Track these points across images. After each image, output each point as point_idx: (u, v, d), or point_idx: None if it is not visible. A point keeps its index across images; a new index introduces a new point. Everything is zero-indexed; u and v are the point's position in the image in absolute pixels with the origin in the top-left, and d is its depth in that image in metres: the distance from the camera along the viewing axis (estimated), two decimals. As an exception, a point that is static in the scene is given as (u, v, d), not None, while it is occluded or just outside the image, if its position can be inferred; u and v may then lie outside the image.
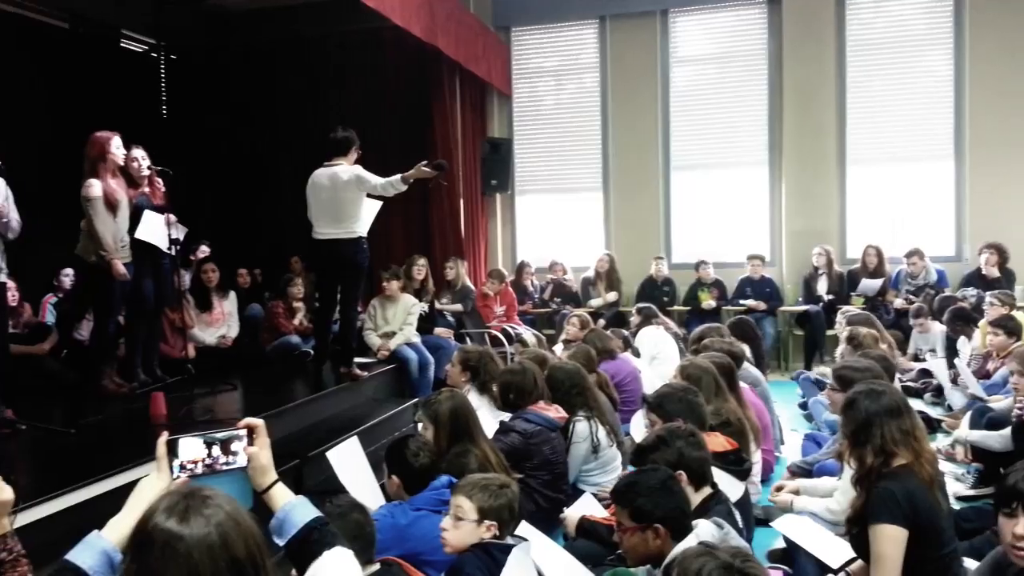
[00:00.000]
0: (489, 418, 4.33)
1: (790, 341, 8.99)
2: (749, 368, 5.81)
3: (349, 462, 3.70)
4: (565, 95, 10.15)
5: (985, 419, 4.86)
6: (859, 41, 9.07)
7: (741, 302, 8.82)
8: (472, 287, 8.51)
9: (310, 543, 1.70)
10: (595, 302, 9.21)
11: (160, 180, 5.58)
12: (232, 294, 7.29)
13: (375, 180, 5.48)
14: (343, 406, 5.90)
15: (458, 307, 8.15)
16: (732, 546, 2.06)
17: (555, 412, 4.14)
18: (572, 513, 3.65)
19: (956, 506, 3.73)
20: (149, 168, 5.54)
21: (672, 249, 9.78)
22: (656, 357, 6.89)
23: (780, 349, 9.02)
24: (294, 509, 1.75)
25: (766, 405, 5.48)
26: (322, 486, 4.04)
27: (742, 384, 4.93)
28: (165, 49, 9.32)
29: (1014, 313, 6.67)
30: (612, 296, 9.26)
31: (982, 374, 6.22)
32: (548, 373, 4.45)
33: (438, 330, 7.48)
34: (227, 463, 1.81)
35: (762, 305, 8.76)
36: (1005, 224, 8.49)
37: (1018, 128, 8.56)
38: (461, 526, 2.74)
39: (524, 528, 3.20)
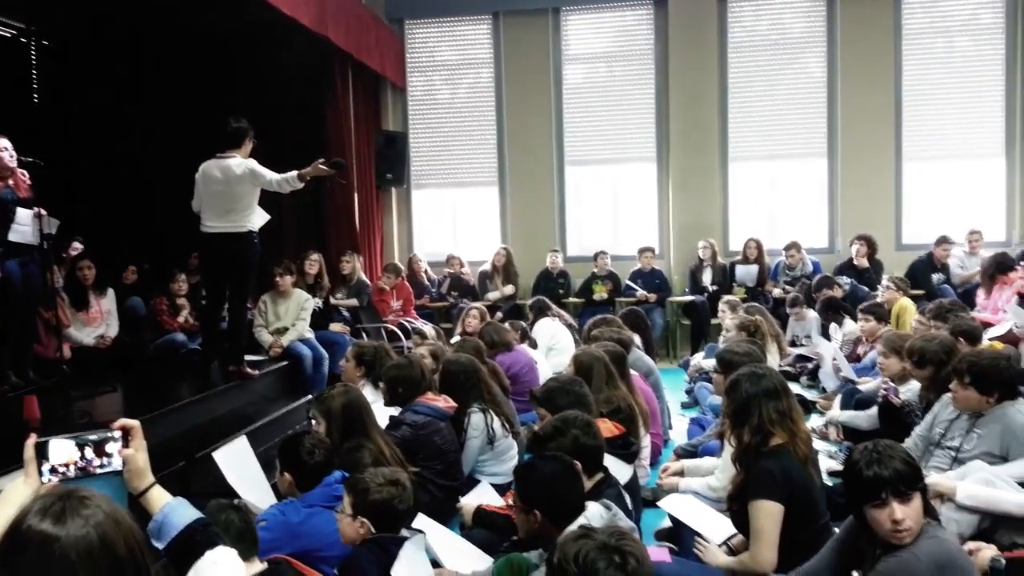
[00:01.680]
0: (385, 413, 4.32)
1: (678, 330, 9.33)
2: (641, 357, 6.00)
3: (237, 462, 3.61)
4: (460, 89, 10.16)
5: (854, 400, 5.20)
6: (740, 43, 9.49)
7: (633, 293, 9.06)
8: (368, 281, 8.42)
9: (191, 544, 1.66)
10: (492, 295, 9.28)
11: (25, 172, 5.24)
12: (111, 292, 6.95)
13: (270, 175, 5.29)
14: (233, 405, 5.72)
15: (353, 302, 8.05)
16: (611, 526, 2.14)
17: (444, 402, 4.17)
18: (468, 502, 3.69)
19: (829, 482, 3.97)
20: (12, 158, 5.18)
21: (567, 242, 9.96)
22: (553, 348, 7.03)
23: (669, 338, 9.34)
24: (173, 511, 1.70)
25: (657, 392, 5.69)
26: (210, 488, 3.92)
27: (633, 372, 5.11)
28: (37, 34, 8.75)
29: (903, 299, 7.18)
30: (509, 289, 9.36)
31: (853, 358, 6.64)
32: (442, 367, 4.47)
33: (333, 325, 7.36)
34: (101, 466, 1.74)
35: (652, 296, 9.04)
36: (873, 217, 9.09)
37: (884, 128, 9.16)
38: (343, 520, 2.75)
39: (420, 519, 3.22)
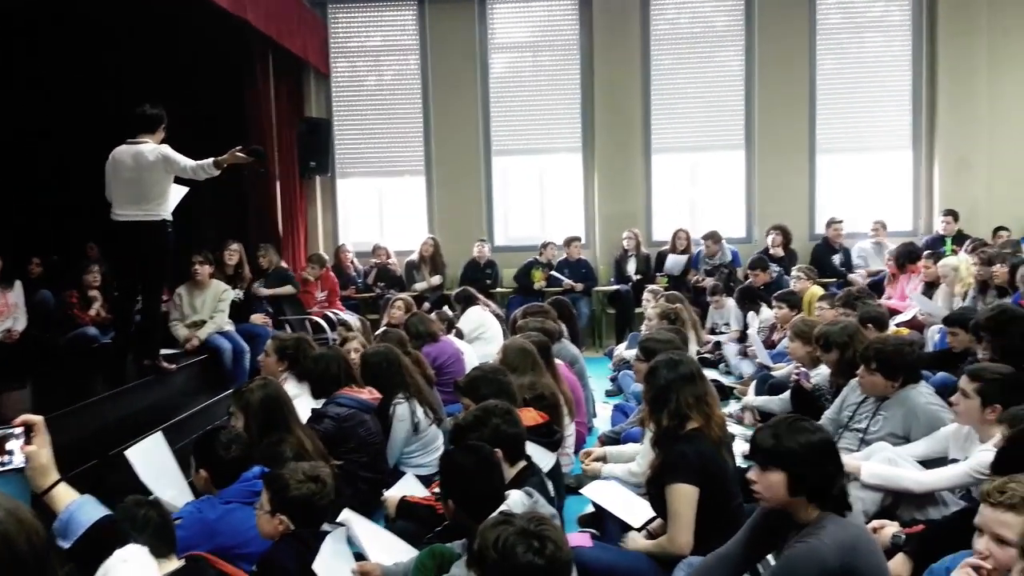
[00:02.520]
0: (308, 406, 4.26)
1: (603, 319, 9.46)
2: (567, 345, 6.07)
3: (152, 460, 3.51)
4: (386, 76, 10.04)
5: (767, 385, 5.39)
6: (663, 36, 9.65)
7: (560, 282, 9.14)
8: (290, 271, 8.25)
9: (98, 543, 1.61)
10: (419, 286, 9.23)
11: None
12: (18, 284, 6.63)
13: (184, 162, 5.13)
14: (149, 401, 5.55)
15: (288, 289, 7.84)
16: (530, 512, 2.17)
17: (369, 394, 4.13)
18: (392, 494, 3.67)
19: (744, 465, 4.10)
20: None
21: (494, 232, 9.98)
22: (480, 337, 7.03)
23: (595, 327, 9.47)
24: (79, 508, 1.65)
25: (582, 380, 5.77)
26: (124, 487, 3.79)
27: (558, 361, 5.16)
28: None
29: (814, 287, 7.45)
30: (436, 279, 9.32)
31: (769, 344, 6.87)
32: (362, 359, 4.43)
33: (254, 317, 7.20)
34: (2, 463, 1.67)
35: (579, 286, 9.14)
36: (787, 209, 9.40)
37: (799, 121, 9.46)
38: (261, 516, 2.71)
39: (344, 512, 3.20)
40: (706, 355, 7.53)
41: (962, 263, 6.48)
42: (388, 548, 3.14)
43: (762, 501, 2.52)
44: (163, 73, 8.15)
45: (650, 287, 7.94)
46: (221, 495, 3.08)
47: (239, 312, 6.98)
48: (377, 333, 5.87)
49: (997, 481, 2.23)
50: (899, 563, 2.82)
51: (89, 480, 3.78)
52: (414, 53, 9.78)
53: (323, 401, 4.19)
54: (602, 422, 5.86)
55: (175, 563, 2.45)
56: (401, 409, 4.30)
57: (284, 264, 8.35)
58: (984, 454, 3.17)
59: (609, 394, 6.83)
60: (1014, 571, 1.80)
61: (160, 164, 5.12)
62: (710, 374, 6.78)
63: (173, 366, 5.85)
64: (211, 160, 5.11)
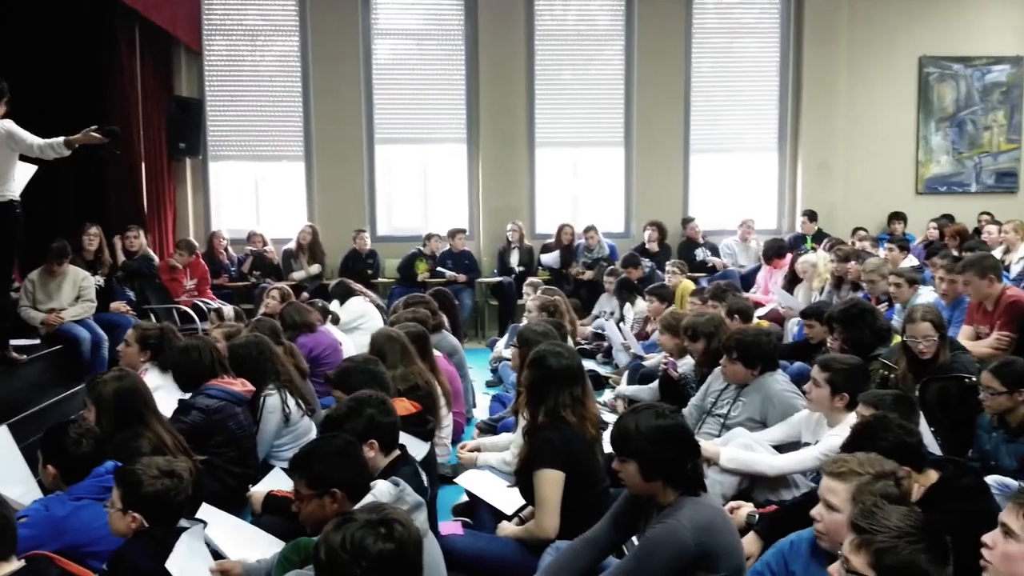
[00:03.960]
0: (174, 398, 4.07)
1: (486, 310, 9.51)
2: (447, 336, 6.06)
3: (-5, 455, 3.27)
4: (265, 57, 9.68)
5: (639, 375, 5.57)
6: (548, 31, 9.75)
7: (443, 274, 9.12)
8: (154, 257, 7.85)
9: None
10: (297, 275, 8.98)
11: None
12: None
13: (31, 140, 4.78)
14: (-5, 394, 5.16)
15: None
16: (373, 503, 2.15)
17: (241, 386, 3.99)
18: (259, 489, 3.57)
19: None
20: None
21: (376, 221, 9.83)
22: (359, 328, 6.91)
23: (478, 318, 9.50)
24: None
25: (461, 371, 5.78)
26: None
27: (437, 352, 5.14)
28: None
29: (685, 281, 7.72)
30: (315, 268, 9.10)
31: (642, 336, 7.10)
32: (230, 349, 4.26)
33: (114, 305, 6.81)
34: None
35: (462, 277, 9.14)
36: (663, 205, 9.73)
37: (674, 122, 9.78)
38: (112, 514, 2.57)
39: (204, 509, 3.08)
40: (585, 346, 7.70)
41: (819, 260, 6.90)
42: (250, 544, 3.04)
43: (628, 488, 2.62)
44: (12, 42, 7.54)
45: (530, 279, 8.04)
46: (71, 492, 2.92)
47: (98, 300, 6.58)
48: (250, 322, 5.66)
49: (838, 456, 2.41)
50: (751, 541, 2.98)
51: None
52: (294, 34, 9.48)
53: (190, 393, 4.01)
54: (482, 412, 5.89)
55: (14, 564, 2.30)
56: (271, 400, 4.16)
57: (150, 251, 7.94)
58: (832, 438, 3.39)
59: (490, 384, 6.87)
60: (845, 544, 1.93)
61: (3, 141, 4.76)
62: (588, 364, 6.98)
63: (24, 357, 5.46)
64: (61, 139, 4.80)
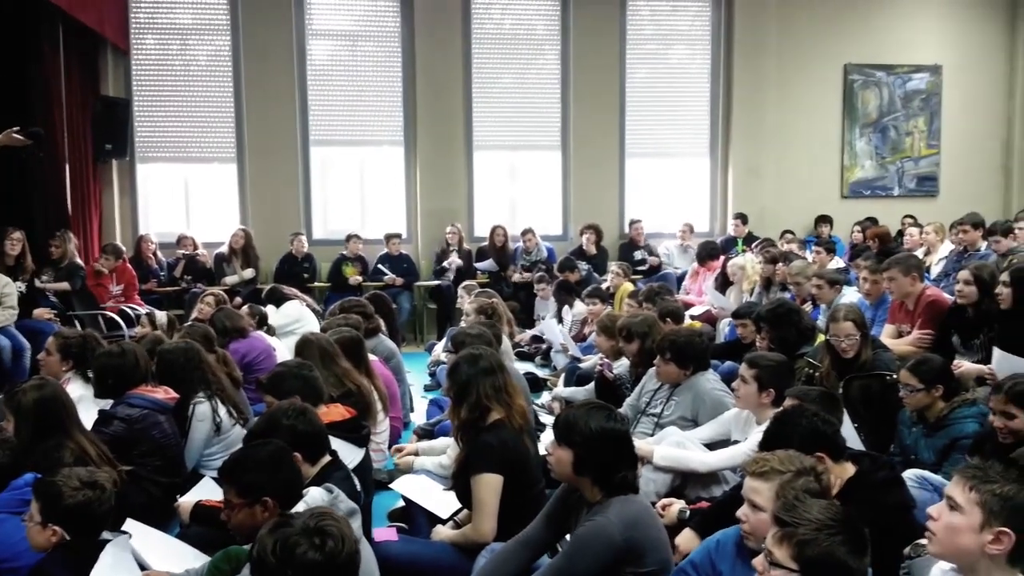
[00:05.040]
0: (95, 408, 3.94)
1: (425, 314, 9.47)
2: (384, 340, 6.01)
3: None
4: (195, 56, 9.45)
5: (576, 376, 5.62)
6: (484, 35, 9.77)
7: (381, 277, 9.05)
8: (81, 264, 7.59)
9: None
10: (230, 279, 8.79)
11: None
12: None
13: None
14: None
15: (64, 285, 7.22)
16: (312, 509, 2.13)
17: (164, 393, 3.89)
18: (187, 499, 3.48)
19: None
20: None
21: (312, 225, 9.70)
22: (294, 333, 6.79)
23: (416, 322, 9.45)
24: None
25: (399, 375, 5.73)
26: None
27: (373, 356, 5.10)
28: None
29: (626, 283, 7.82)
30: (249, 273, 8.92)
31: (580, 338, 7.16)
32: (158, 355, 4.15)
33: (37, 312, 6.56)
34: None
35: (400, 280, 9.08)
36: (600, 209, 9.84)
37: (610, 126, 9.90)
38: (31, 527, 2.48)
39: (128, 524, 2.99)
40: (523, 348, 7.74)
41: (748, 262, 7.09)
42: (176, 556, 2.97)
43: (552, 473, 2.68)
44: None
45: (465, 283, 8.03)
46: (-14, 506, 2.80)
47: (20, 307, 6.33)
48: (182, 328, 5.52)
49: (758, 455, 2.47)
50: (686, 537, 3.04)
51: None
52: (225, 33, 9.28)
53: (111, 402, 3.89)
54: (420, 416, 5.86)
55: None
56: (201, 408, 4.07)
57: (77, 256, 7.68)
58: (759, 435, 3.48)
59: (428, 388, 6.84)
60: (768, 537, 1.98)
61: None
62: (527, 367, 7.03)
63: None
64: None
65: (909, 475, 3.30)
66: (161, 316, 7.54)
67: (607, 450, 2.52)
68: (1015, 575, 1.95)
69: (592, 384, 5.17)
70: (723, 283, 7.54)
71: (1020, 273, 4.45)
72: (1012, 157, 10.54)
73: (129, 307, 7.63)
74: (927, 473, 3.35)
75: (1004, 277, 4.46)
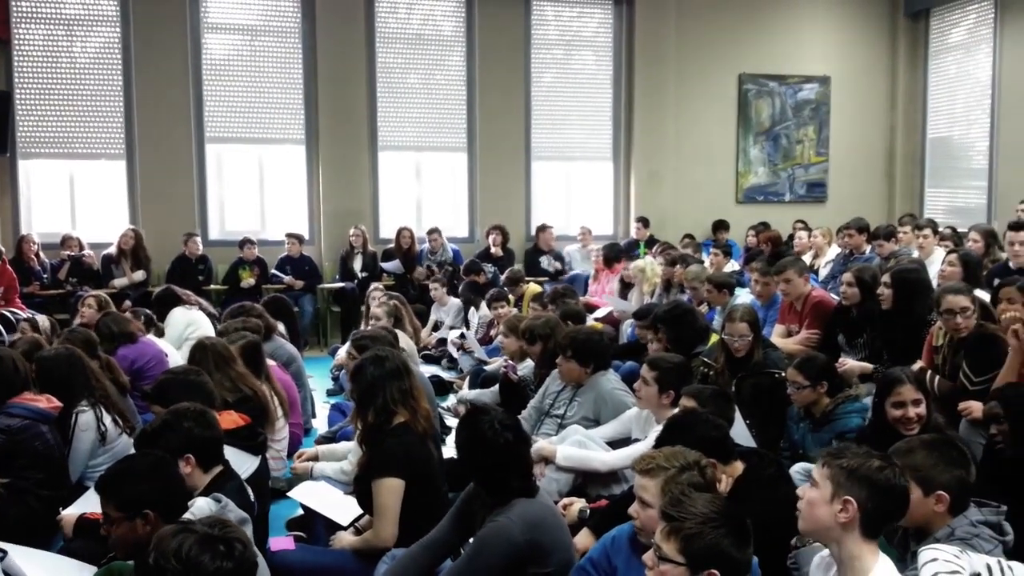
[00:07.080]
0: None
1: (328, 317, 9.28)
2: (283, 345, 5.86)
3: None
4: (83, 48, 8.97)
5: (481, 379, 5.62)
6: (389, 34, 9.66)
7: (280, 280, 8.82)
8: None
9: None
10: (119, 282, 8.40)
11: None
12: None
13: None
14: None
15: None
16: (210, 517, 2.05)
17: (47, 402, 3.67)
18: (70, 512, 3.29)
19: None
20: None
21: (208, 225, 9.36)
22: (187, 338, 6.52)
23: (319, 325, 9.25)
24: None
25: (299, 380, 5.59)
26: None
27: (272, 361, 4.96)
28: None
29: (533, 285, 7.85)
30: (139, 275, 8.54)
31: (486, 340, 7.17)
32: (36, 362, 3.91)
33: (-99, 318, 6.08)
34: None
35: (300, 283, 8.87)
36: (506, 210, 9.88)
37: (516, 129, 9.96)
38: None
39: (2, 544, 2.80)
40: (429, 351, 7.68)
41: (647, 265, 7.26)
42: (60, 572, 2.80)
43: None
44: None
45: (373, 285, 7.91)
46: None
47: None
48: (61, 333, 5.21)
49: (645, 453, 2.53)
50: (583, 536, 3.07)
51: None
52: (115, 25, 8.86)
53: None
54: (323, 422, 5.73)
55: None
56: (84, 418, 3.85)
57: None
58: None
59: (331, 393, 6.71)
60: (656, 533, 2.03)
61: None
62: (432, 370, 6.98)
63: None
64: None
65: (797, 469, 3.44)
66: (44, 320, 7.13)
67: (495, 463, 2.61)
68: (872, 546, 2.08)
69: (497, 386, 5.18)
70: (626, 285, 7.69)
71: (900, 275, 4.72)
72: (895, 165, 11.15)
73: (9, 311, 7.15)
74: (813, 467, 3.50)
75: (885, 279, 4.72)
